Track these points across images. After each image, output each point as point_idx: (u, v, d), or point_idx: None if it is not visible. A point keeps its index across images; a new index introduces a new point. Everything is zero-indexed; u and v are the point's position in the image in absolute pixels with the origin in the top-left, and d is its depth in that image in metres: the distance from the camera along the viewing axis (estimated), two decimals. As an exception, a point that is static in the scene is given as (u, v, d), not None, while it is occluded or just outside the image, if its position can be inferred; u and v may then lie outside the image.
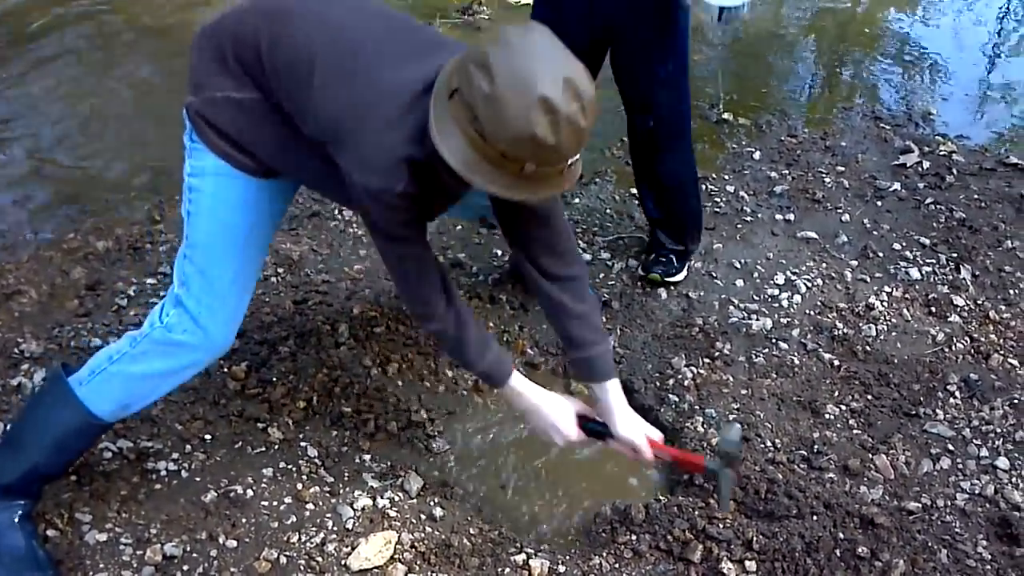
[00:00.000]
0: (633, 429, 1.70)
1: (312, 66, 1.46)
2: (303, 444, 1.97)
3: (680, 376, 2.22)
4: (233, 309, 1.65)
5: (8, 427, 1.88)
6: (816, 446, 2.02)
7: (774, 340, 2.34)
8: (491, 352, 1.65)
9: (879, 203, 2.89)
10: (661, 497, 1.96)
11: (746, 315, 2.42)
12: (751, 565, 1.76)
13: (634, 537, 1.84)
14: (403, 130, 1.40)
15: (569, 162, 1.36)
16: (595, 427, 1.70)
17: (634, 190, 2.77)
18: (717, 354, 2.28)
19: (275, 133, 1.55)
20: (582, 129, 1.32)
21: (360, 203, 1.49)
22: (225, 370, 2.11)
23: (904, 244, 2.70)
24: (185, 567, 1.70)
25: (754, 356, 2.29)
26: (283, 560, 1.73)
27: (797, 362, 2.27)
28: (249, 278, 1.67)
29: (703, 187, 2.88)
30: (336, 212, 2.72)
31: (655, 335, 2.35)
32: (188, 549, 1.73)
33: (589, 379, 1.72)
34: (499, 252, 2.54)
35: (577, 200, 2.83)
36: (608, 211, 2.83)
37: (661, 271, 2.48)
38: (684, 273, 2.53)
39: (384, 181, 1.41)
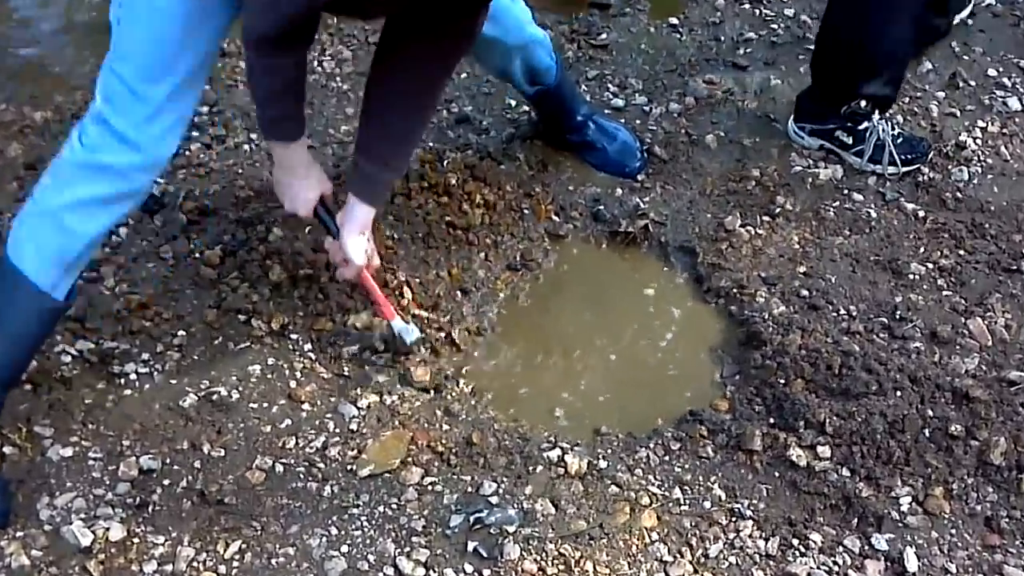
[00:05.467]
0: (355, 246, 1.69)
1: None
2: (294, 336, 1.83)
3: (735, 238, 2.05)
4: (171, 124, 1.56)
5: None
6: (899, 312, 1.88)
7: (846, 191, 2.16)
8: (293, 116, 1.62)
9: (969, 22, 2.62)
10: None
11: (811, 163, 2.22)
12: (824, 451, 1.64)
13: (686, 428, 1.72)
14: None
15: None
16: (327, 219, 1.72)
17: (673, 20, 2.58)
18: (778, 210, 2.10)
19: None
20: None
21: None
22: (197, 255, 1.95)
23: (1001, 69, 2.47)
24: (166, 481, 1.60)
25: (822, 210, 2.11)
26: (279, 468, 1.62)
27: (874, 215, 2.10)
28: (189, 95, 1.58)
29: (758, 11, 2.65)
30: (315, 64, 2.46)
31: (703, 191, 2.16)
32: (168, 461, 1.63)
33: (352, 189, 1.70)
34: (512, 103, 2.32)
35: (604, 35, 2.59)
36: (643, 47, 2.59)
37: None
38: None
39: None
